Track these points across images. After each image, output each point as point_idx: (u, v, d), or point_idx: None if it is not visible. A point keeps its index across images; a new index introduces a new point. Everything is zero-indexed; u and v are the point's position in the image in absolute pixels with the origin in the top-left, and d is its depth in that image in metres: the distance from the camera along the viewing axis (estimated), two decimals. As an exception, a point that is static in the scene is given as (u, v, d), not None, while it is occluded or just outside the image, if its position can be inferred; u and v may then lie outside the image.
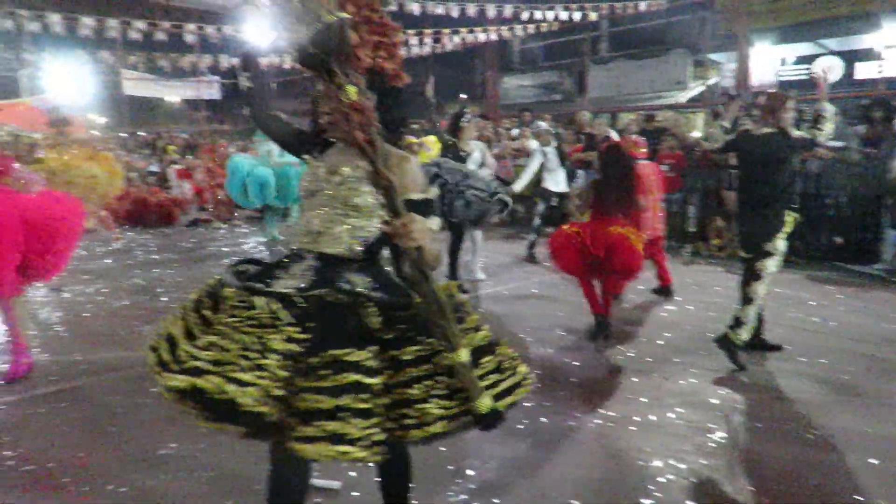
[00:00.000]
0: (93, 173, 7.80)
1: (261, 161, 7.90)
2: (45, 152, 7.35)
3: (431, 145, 6.08)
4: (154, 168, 13.32)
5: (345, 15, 1.75)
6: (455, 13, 13.06)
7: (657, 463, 2.93)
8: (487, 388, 1.81)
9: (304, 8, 1.73)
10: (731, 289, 4.98)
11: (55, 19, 12.26)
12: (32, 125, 7.86)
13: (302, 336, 1.68)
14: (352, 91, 1.70)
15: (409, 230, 1.67)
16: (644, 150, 5.89)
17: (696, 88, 16.70)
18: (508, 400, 1.85)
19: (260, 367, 1.60)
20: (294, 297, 1.74)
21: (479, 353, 1.84)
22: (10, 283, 3.81)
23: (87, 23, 12.32)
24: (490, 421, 1.77)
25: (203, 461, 2.93)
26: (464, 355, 1.75)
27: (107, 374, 4.05)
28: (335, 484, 2.71)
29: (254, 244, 8.34)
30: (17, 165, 3.99)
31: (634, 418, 3.39)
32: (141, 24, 13.05)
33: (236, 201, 8.89)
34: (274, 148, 8.00)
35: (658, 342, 4.68)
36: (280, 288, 1.80)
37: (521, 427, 3.25)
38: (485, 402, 1.75)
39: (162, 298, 5.99)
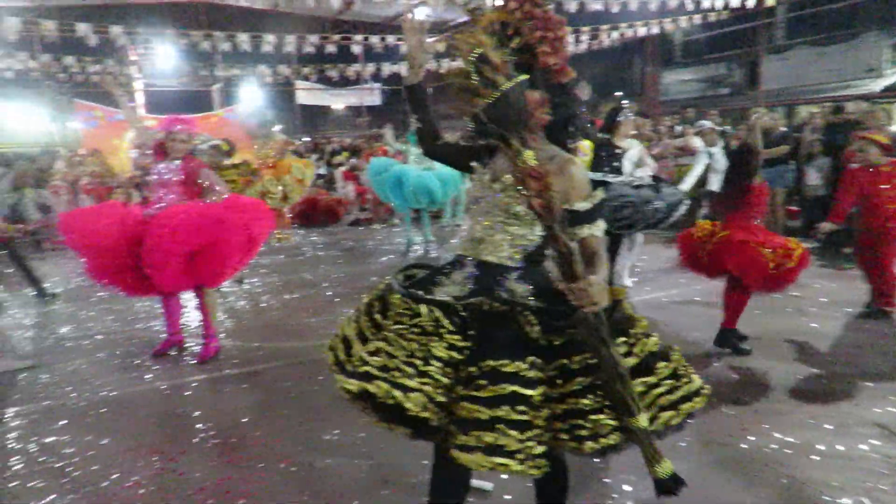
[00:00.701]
0: (287, 180, 8.69)
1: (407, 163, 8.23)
2: (242, 158, 8.33)
3: (586, 150, 5.87)
4: (321, 171, 14.35)
5: (522, 77, 1.74)
6: (615, 8, 12.63)
7: (846, 501, 2.59)
8: (664, 393, 1.72)
9: (481, 77, 1.73)
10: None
11: (243, 38, 13.68)
12: (221, 134, 8.84)
13: (463, 344, 1.69)
14: (529, 157, 1.68)
15: (589, 294, 1.59)
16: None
17: (893, 76, 14.67)
18: (687, 407, 1.74)
19: (424, 374, 1.64)
20: (454, 305, 1.75)
21: (652, 358, 1.75)
22: (215, 275, 4.30)
23: (269, 39, 13.61)
24: (669, 487, 1.70)
25: (363, 450, 3.08)
26: (643, 421, 1.65)
27: (281, 361, 4.41)
28: (487, 485, 2.71)
29: (406, 242, 8.66)
30: (207, 171, 4.46)
31: (818, 447, 3.03)
32: (314, 38, 14.15)
33: (383, 201, 9.33)
34: (415, 151, 8.26)
35: (844, 362, 4.16)
36: (441, 295, 1.82)
37: (684, 445, 3.03)
38: (665, 467, 1.68)
39: (327, 293, 6.41)
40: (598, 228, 1.83)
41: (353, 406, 1.76)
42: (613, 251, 5.62)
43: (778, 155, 7.69)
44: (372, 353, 1.71)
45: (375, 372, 1.65)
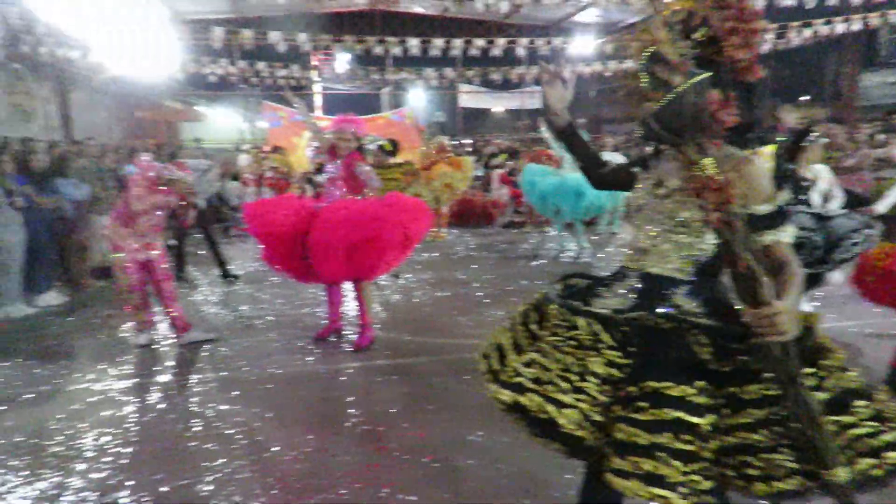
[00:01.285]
0: (451, 178, 9.01)
1: (556, 171, 8.08)
2: (405, 158, 8.78)
3: (767, 157, 5.15)
4: (478, 173, 14.56)
5: (703, 75, 1.56)
6: (812, 3, 11.42)
7: None
8: (864, 436, 1.47)
9: (652, 78, 1.60)
10: None
11: (413, 43, 14.29)
12: (387, 135, 9.30)
13: (623, 361, 1.58)
14: (707, 165, 1.52)
15: (775, 323, 1.40)
16: None
17: None
18: (893, 457, 1.46)
19: (580, 390, 1.56)
20: (615, 319, 1.64)
21: (849, 396, 1.51)
22: (371, 270, 4.52)
23: (438, 44, 14.08)
24: None
25: (505, 454, 3.04)
26: (842, 474, 1.43)
27: (429, 356, 4.51)
28: None
29: (559, 248, 8.49)
30: (364, 167, 4.67)
31: None
32: (481, 42, 14.41)
33: (538, 210, 9.26)
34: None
35: None
36: (600, 308, 1.70)
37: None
38: None
39: (477, 293, 6.46)
40: (786, 234, 1.60)
41: (506, 415, 1.71)
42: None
43: None
44: (526, 365, 1.64)
45: (529, 384, 1.59)
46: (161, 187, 4.78)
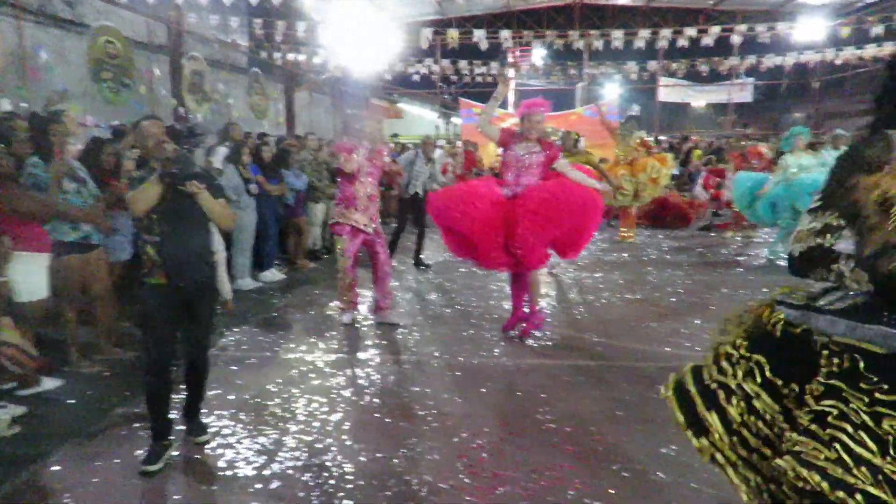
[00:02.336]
0: (658, 173, 8.71)
1: (777, 175, 7.40)
2: (602, 154, 8.69)
3: None
4: (675, 171, 13.69)
5: None
6: None
7: None
8: None
9: None
10: None
11: (617, 35, 13.81)
12: (580, 131, 9.12)
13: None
14: None
15: None
16: None
17: None
18: None
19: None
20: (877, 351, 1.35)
21: None
22: (541, 257, 4.59)
23: (643, 34, 13.45)
24: None
25: (702, 474, 2.80)
26: None
27: (620, 361, 4.33)
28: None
29: (773, 255, 7.67)
30: (564, 161, 4.71)
31: None
32: (692, 31, 13.48)
33: (744, 214, 8.57)
34: (791, 160, 7.28)
35: None
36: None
37: None
38: None
39: (671, 298, 6.08)
40: None
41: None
42: None
43: None
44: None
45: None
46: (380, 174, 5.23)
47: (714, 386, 1.63)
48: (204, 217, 2.98)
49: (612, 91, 19.24)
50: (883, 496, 1.22)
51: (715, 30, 13.62)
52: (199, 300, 3.01)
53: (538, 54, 17.89)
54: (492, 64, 16.79)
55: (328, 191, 7.84)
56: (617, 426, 3.35)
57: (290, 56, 14.63)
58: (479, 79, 17.04)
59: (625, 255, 8.45)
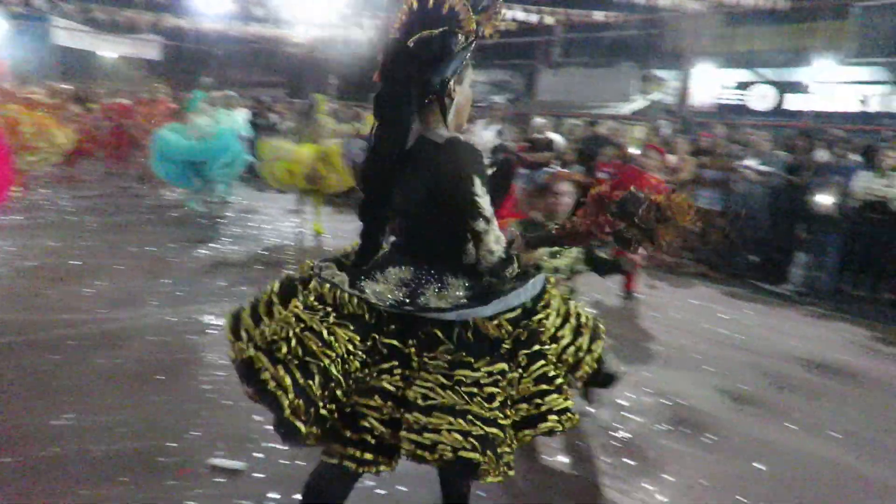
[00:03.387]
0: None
1: (182, 132, 7.76)
2: None
3: None
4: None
5: None
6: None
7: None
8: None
9: None
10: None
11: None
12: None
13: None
14: None
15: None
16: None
17: (639, 101, 17.24)
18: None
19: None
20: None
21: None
22: None
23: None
24: None
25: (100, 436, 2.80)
26: None
27: (8, 336, 3.82)
28: (238, 465, 2.65)
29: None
30: None
31: None
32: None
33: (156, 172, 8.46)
34: (203, 121, 7.79)
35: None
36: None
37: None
38: None
39: (71, 262, 5.68)
40: None
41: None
42: None
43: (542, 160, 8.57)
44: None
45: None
46: None
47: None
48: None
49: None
50: None
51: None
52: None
53: None
54: None
55: None
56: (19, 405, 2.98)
57: None
58: None
59: (18, 217, 7.37)
